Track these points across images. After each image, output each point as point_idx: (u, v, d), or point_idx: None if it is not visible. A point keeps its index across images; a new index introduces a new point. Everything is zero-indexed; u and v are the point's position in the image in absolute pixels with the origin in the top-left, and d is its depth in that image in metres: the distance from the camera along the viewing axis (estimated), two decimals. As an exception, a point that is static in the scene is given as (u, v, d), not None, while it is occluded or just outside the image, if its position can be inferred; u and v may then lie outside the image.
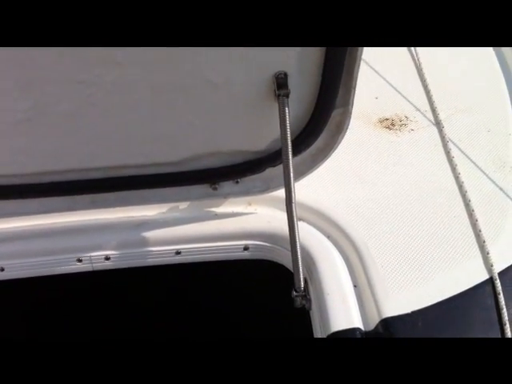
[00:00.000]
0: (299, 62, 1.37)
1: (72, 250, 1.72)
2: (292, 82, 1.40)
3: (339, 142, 1.55)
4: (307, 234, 1.68)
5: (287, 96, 1.41)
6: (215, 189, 1.70)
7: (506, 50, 2.38)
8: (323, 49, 1.34)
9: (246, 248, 1.74)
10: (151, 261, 1.75)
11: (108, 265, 1.74)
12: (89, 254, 1.72)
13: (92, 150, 1.53)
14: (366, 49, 1.32)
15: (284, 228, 1.50)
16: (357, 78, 1.38)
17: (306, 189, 1.74)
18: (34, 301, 2.22)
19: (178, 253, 1.75)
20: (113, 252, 1.73)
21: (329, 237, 1.70)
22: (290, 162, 1.45)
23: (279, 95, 1.40)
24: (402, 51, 2.43)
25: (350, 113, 1.46)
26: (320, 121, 1.50)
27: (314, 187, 1.79)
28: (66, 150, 1.52)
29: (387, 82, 2.26)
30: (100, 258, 1.73)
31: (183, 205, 1.75)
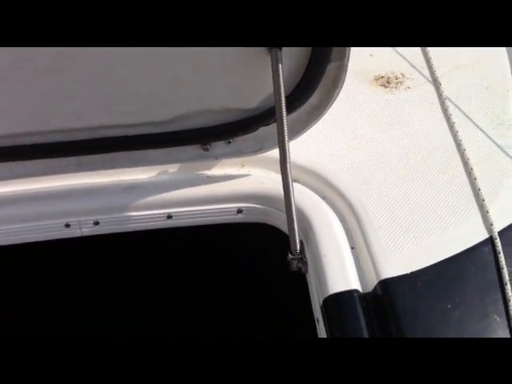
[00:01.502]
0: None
1: (60, 214, 1.67)
2: None
3: (335, 99, 1.50)
4: (302, 196, 1.64)
5: (280, 49, 1.35)
6: (206, 149, 1.65)
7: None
8: None
9: (239, 211, 1.70)
10: (142, 225, 1.71)
11: (97, 230, 1.70)
12: (77, 219, 1.68)
13: (75, 109, 1.47)
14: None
15: (279, 189, 1.47)
16: None
17: (300, 149, 1.69)
18: (23, 268, 2.18)
19: (169, 217, 1.70)
20: (102, 216, 1.68)
21: (325, 198, 1.66)
22: (284, 119, 1.40)
23: (272, 48, 1.35)
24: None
25: (346, 67, 1.40)
26: (314, 75, 1.44)
27: (309, 147, 1.74)
28: (48, 109, 1.46)
29: None
30: (89, 222, 1.68)
31: (174, 167, 1.70)
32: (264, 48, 1.35)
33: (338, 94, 1.47)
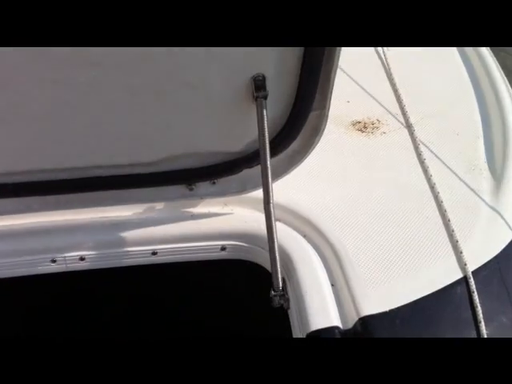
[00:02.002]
0: (277, 65, 1.38)
1: (46, 250, 1.70)
2: (270, 85, 1.40)
3: (316, 144, 1.57)
4: (284, 234, 1.69)
5: (265, 98, 1.41)
6: (191, 189, 1.70)
7: (469, 50, 2.44)
8: (301, 52, 1.35)
9: (223, 248, 1.74)
10: (127, 261, 1.73)
11: (83, 265, 1.72)
12: (63, 255, 1.70)
13: (66, 151, 1.51)
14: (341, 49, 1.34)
15: (261, 228, 1.51)
16: (334, 81, 1.40)
17: (281, 189, 1.74)
18: (9, 303, 2.17)
19: (154, 253, 1.73)
20: (88, 252, 1.70)
21: (305, 236, 1.71)
22: (268, 163, 1.45)
23: (257, 97, 1.41)
24: (371, 54, 2.47)
25: (327, 116, 1.48)
26: (297, 123, 1.51)
27: (290, 187, 1.80)
28: (40, 150, 1.50)
29: (359, 85, 2.29)
30: (75, 258, 1.71)
31: (159, 205, 1.74)
32: (250, 97, 1.42)
33: (318, 141, 1.55)
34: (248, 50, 1.32)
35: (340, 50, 1.33)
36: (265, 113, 1.42)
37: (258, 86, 1.40)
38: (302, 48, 1.34)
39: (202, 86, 1.40)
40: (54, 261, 1.70)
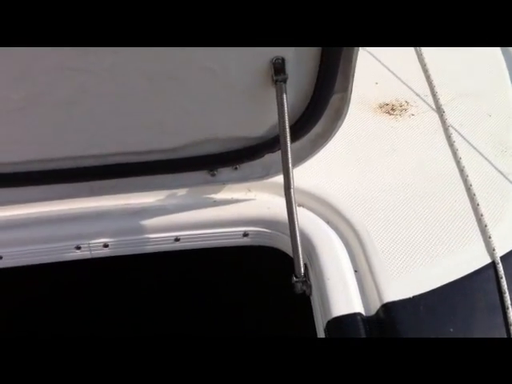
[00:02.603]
0: (297, 47, 1.35)
1: (71, 237, 1.72)
2: (289, 68, 1.38)
3: (338, 128, 1.54)
4: (306, 220, 1.67)
5: (285, 82, 1.39)
6: (213, 175, 1.70)
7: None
8: None
9: (245, 234, 1.73)
10: (150, 248, 1.74)
11: (107, 252, 1.74)
12: (87, 242, 1.72)
13: (88, 138, 1.52)
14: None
15: (283, 214, 1.50)
16: (355, 63, 1.36)
17: (305, 174, 1.73)
18: (34, 289, 2.22)
19: (177, 239, 1.74)
20: (111, 239, 1.72)
21: (328, 222, 1.69)
22: (289, 148, 1.44)
23: (277, 81, 1.39)
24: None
25: (349, 99, 1.45)
26: (318, 106, 1.49)
27: (314, 172, 1.78)
28: (62, 138, 1.52)
29: (386, 67, 2.24)
30: (99, 245, 1.72)
31: (181, 191, 1.74)
32: (270, 80, 1.40)
33: (341, 124, 1.52)
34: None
35: None
36: (285, 97, 1.40)
37: (278, 69, 1.38)
38: None
39: (220, 71, 1.39)
40: (78, 247, 1.72)
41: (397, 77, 2.20)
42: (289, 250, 1.61)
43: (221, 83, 1.42)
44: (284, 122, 1.42)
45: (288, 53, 1.36)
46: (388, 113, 2.07)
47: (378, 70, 2.22)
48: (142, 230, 1.71)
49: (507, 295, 1.47)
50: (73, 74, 1.33)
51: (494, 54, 2.29)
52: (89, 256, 1.74)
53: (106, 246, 1.73)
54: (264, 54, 1.36)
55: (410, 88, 2.15)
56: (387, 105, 2.10)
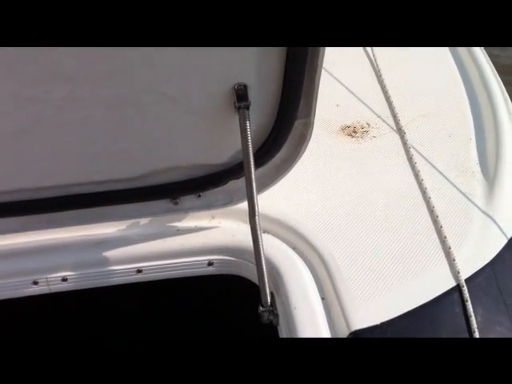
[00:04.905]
0: (259, 73, 1.34)
1: (27, 272, 1.65)
2: (252, 94, 1.37)
3: (302, 153, 1.53)
4: (272, 247, 1.64)
5: (247, 108, 1.37)
6: (176, 203, 1.66)
7: (461, 50, 2.40)
8: (283, 59, 1.31)
9: (210, 263, 1.70)
10: (111, 280, 1.68)
11: (66, 286, 1.67)
12: (45, 276, 1.65)
13: (44, 169, 1.47)
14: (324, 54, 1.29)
15: (249, 241, 1.47)
16: (318, 87, 1.36)
17: (269, 200, 1.71)
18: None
19: (139, 271, 1.69)
20: (70, 273, 1.66)
21: (294, 248, 1.66)
22: (253, 174, 1.41)
23: (239, 107, 1.37)
24: (360, 56, 2.43)
25: (313, 123, 1.44)
26: (282, 132, 1.47)
27: (279, 198, 1.76)
28: (17, 168, 1.46)
29: (347, 89, 2.25)
30: (57, 279, 1.66)
31: (143, 221, 1.69)
32: (232, 107, 1.38)
33: (305, 149, 1.50)
34: (228, 59, 1.27)
35: (323, 55, 1.28)
36: (248, 123, 1.38)
37: (240, 95, 1.36)
38: (284, 54, 1.29)
39: (181, 97, 1.36)
40: (35, 282, 1.65)
41: (358, 98, 2.21)
42: (255, 279, 1.58)
43: (182, 110, 1.39)
44: (248, 148, 1.40)
45: (250, 79, 1.34)
46: (350, 135, 2.07)
47: (338, 92, 2.24)
48: (103, 262, 1.65)
49: (473, 318, 1.47)
50: (26, 104, 1.29)
51: (450, 66, 2.34)
52: (47, 291, 1.67)
53: (64, 279, 1.66)
54: (225, 81, 1.34)
55: (371, 109, 2.16)
56: (349, 127, 2.11)
